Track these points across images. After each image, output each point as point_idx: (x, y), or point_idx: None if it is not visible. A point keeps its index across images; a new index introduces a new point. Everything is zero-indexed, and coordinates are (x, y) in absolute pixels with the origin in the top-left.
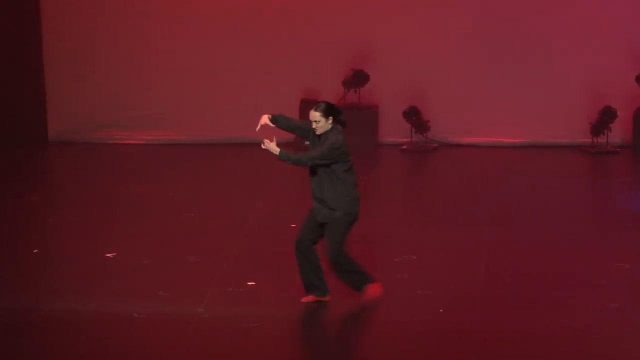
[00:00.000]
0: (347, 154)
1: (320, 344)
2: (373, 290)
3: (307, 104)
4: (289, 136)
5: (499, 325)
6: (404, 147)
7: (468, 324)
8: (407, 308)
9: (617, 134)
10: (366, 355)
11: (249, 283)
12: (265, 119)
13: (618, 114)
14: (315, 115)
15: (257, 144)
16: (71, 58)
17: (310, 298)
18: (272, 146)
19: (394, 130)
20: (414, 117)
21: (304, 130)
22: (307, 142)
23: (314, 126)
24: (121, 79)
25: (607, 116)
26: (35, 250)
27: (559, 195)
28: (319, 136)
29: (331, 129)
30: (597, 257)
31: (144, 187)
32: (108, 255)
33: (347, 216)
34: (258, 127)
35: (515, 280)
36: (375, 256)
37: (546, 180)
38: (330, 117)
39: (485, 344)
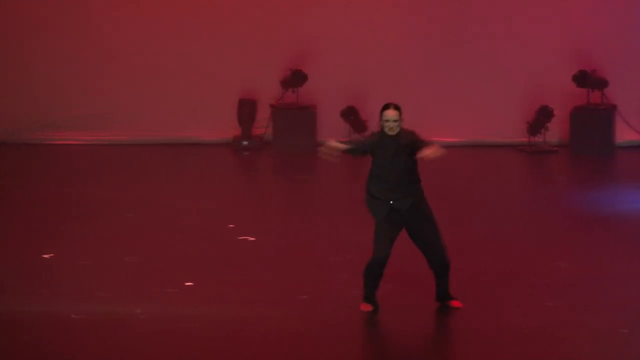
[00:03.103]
0: None
1: (259, 343)
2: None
3: (245, 104)
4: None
5: (439, 324)
6: None
7: (407, 323)
8: (346, 308)
9: (554, 133)
10: (306, 353)
11: (187, 284)
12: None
13: (555, 113)
14: (396, 114)
15: (196, 144)
16: (12, 58)
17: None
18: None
19: (332, 130)
20: (352, 116)
21: (361, 149)
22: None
23: (392, 126)
24: (62, 80)
25: (544, 115)
26: None
27: (497, 195)
28: (382, 141)
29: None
30: (535, 255)
31: (84, 188)
32: (46, 256)
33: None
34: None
35: (452, 278)
36: (315, 256)
37: (484, 180)
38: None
39: (424, 344)
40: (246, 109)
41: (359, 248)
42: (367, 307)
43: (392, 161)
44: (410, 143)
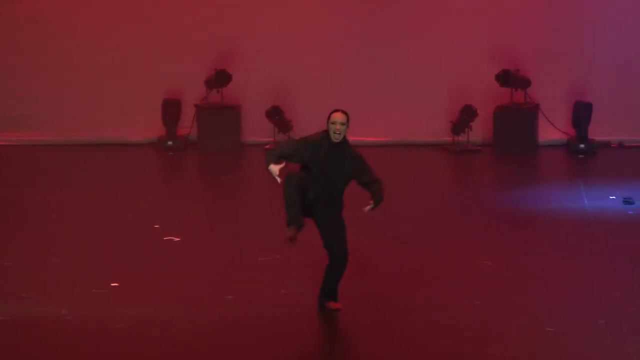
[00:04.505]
0: None
1: (185, 343)
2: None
3: (169, 104)
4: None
5: (364, 324)
6: (267, 146)
7: (332, 323)
8: (271, 308)
9: (478, 132)
10: (232, 353)
11: (113, 284)
12: (277, 169)
13: (478, 112)
14: (344, 117)
15: (121, 145)
16: None
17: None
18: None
19: (257, 130)
20: (277, 116)
21: (301, 154)
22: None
23: (340, 129)
24: None
25: (467, 115)
26: None
27: (421, 194)
28: (326, 150)
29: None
30: (460, 255)
31: (8, 189)
32: None
33: None
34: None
35: (379, 279)
36: (240, 256)
37: (408, 179)
38: None
39: (350, 343)
40: (171, 109)
41: (285, 248)
42: (291, 231)
43: (330, 175)
44: (355, 171)
